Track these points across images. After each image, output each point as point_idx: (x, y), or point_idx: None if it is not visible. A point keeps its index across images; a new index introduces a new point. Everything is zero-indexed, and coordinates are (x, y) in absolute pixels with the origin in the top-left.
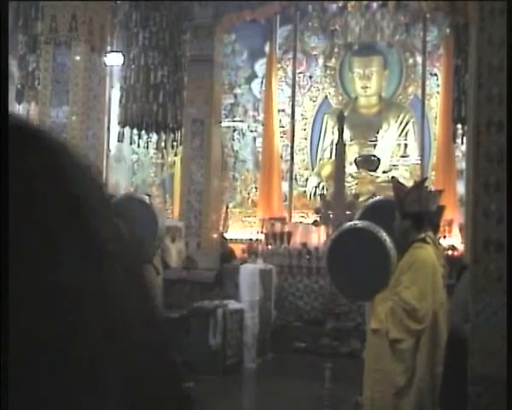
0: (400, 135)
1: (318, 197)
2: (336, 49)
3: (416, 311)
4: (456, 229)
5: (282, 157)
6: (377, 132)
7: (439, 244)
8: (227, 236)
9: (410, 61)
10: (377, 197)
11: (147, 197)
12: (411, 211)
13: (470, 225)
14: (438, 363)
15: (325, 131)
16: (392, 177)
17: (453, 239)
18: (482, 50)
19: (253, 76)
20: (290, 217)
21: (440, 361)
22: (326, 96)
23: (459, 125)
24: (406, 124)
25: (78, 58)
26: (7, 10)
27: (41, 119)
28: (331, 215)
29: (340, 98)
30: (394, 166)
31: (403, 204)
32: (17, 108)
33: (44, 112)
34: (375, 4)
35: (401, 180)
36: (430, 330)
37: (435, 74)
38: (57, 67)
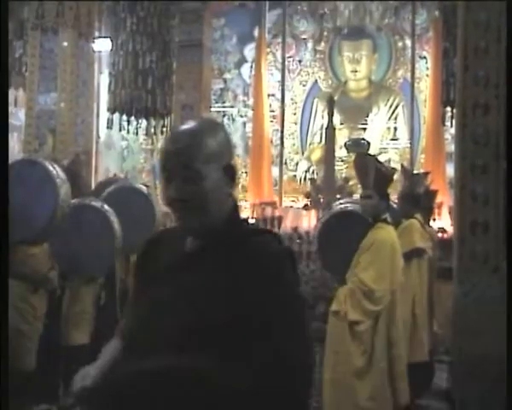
0: (390, 118)
1: (308, 182)
2: (325, 33)
3: (373, 292)
4: (445, 211)
5: (272, 142)
6: (367, 116)
7: (430, 227)
8: None
9: (400, 44)
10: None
11: (144, 188)
12: (378, 191)
13: (457, 206)
14: (395, 344)
15: (315, 116)
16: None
17: (443, 222)
18: (468, 33)
19: (243, 61)
20: (281, 201)
21: (398, 343)
22: (316, 81)
23: (448, 108)
24: (396, 107)
25: (65, 44)
26: (7, 10)
27: (29, 105)
28: (321, 199)
29: (330, 82)
30: (384, 149)
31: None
32: None
33: (32, 98)
34: None
35: (391, 164)
36: (387, 311)
37: (424, 57)
38: (44, 53)
